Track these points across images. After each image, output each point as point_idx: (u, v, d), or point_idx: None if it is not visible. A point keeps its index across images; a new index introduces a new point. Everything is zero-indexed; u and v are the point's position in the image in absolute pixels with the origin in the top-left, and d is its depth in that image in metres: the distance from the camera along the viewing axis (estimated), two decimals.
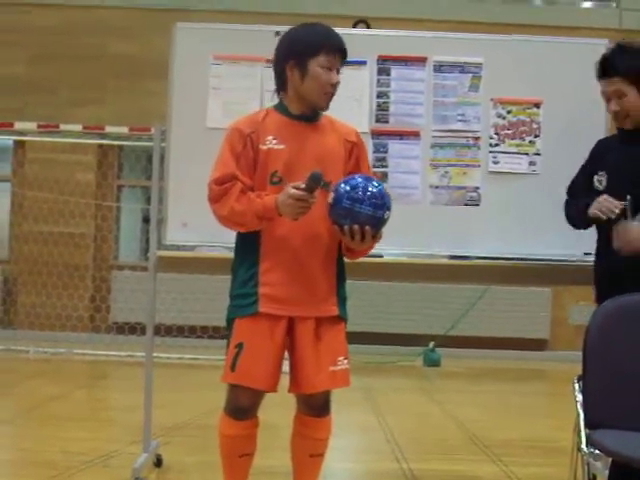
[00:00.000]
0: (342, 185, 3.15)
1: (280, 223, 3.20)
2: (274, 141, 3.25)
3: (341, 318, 3.35)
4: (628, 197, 3.44)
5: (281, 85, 3.35)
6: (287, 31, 3.38)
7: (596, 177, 3.64)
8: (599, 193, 3.58)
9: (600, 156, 3.70)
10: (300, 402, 3.39)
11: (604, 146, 3.75)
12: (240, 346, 3.24)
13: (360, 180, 3.17)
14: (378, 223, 3.16)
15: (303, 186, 3.08)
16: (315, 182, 3.08)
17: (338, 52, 3.25)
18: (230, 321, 3.32)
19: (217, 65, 4.40)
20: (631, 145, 3.55)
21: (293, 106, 3.32)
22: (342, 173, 3.31)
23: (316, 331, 3.26)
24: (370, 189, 3.14)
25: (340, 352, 3.31)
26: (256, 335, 3.23)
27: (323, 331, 3.28)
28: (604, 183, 3.60)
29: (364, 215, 3.11)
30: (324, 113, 3.39)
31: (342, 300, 3.37)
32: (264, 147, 3.25)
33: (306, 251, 3.23)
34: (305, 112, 3.31)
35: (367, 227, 3.12)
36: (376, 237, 3.20)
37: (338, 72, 3.28)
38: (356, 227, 3.11)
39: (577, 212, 3.72)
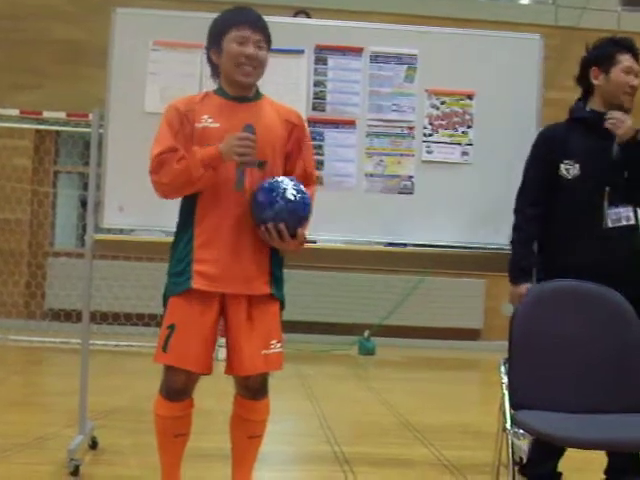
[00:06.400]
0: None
1: (214, 202, 3.27)
2: (209, 120, 3.30)
3: (275, 299, 3.39)
4: (607, 188, 3.66)
5: (214, 72, 3.44)
6: None
7: (563, 166, 3.75)
8: (568, 182, 3.73)
9: (560, 145, 3.79)
10: (238, 385, 3.45)
11: (558, 134, 3.84)
12: (172, 327, 3.28)
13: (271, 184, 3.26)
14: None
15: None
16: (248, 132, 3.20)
17: (248, 25, 3.29)
18: (165, 299, 3.36)
19: (156, 51, 4.42)
20: (601, 134, 3.71)
21: (228, 89, 3.38)
22: (282, 153, 3.39)
23: (249, 312, 3.31)
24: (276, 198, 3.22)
25: (273, 335, 3.36)
26: (188, 316, 3.27)
27: (256, 313, 3.32)
28: (573, 172, 3.72)
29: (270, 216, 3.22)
30: (265, 95, 3.45)
31: (277, 280, 3.41)
32: (199, 125, 3.31)
33: (238, 230, 3.28)
34: (241, 93, 3.37)
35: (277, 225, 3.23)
36: (295, 236, 3.27)
37: (259, 48, 3.31)
38: (262, 228, 3.23)
39: (514, 259, 3.87)
